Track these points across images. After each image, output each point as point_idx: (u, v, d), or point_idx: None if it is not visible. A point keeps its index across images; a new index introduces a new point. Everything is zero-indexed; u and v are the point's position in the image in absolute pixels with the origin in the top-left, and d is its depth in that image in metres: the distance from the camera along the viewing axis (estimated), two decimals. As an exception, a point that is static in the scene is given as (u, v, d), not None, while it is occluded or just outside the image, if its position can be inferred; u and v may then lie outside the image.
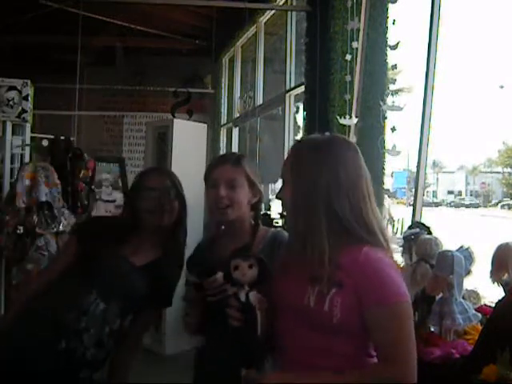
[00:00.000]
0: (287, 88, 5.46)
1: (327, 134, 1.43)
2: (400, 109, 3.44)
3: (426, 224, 2.75)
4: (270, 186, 8.02)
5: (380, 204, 3.82)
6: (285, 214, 1.40)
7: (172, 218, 1.83)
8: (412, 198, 3.58)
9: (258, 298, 1.33)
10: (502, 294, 1.99)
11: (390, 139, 3.69)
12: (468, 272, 2.12)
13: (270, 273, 1.37)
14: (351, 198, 1.29)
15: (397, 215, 3.33)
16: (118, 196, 4.89)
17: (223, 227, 1.73)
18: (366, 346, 1.27)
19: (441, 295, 2.09)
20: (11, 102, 3.60)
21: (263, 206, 5.88)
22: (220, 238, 1.74)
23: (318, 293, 1.23)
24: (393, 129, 3.50)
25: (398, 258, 2.81)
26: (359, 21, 3.68)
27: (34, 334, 1.61)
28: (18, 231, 3.36)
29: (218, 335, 1.51)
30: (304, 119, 4.44)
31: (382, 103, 3.59)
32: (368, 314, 1.21)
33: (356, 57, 3.69)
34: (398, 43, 3.59)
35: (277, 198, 1.40)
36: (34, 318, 1.66)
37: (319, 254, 1.23)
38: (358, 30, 3.70)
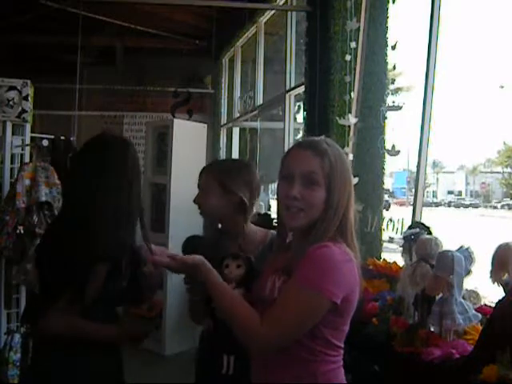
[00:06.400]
0: (287, 88, 5.46)
1: (327, 138, 1.45)
2: (399, 108, 3.44)
3: (426, 224, 2.75)
4: (269, 186, 8.03)
5: (380, 204, 3.83)
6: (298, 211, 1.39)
7: None
8: (412, 198, 3.58)
9: (241, 295, 1.44)
10: (502, 294, 1.99)
11: (390, 139, 3.70)
12: (468, 272, 2.12)
13: (258, 272, 1.49)
14: (351, 200, 1.38)
15: (397, 215, 3.33)
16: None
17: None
18: (319, 334, 1.31)
19: (441, 295, 2.09)
20: (11, 102, 3.60)
21: (263, 206, 5.86)
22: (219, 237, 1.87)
23: (272, 282, 1.36)
24: (392, 129, 3.51)
25: (398, 257, 2.81)
26: (359, 21, 3.68)
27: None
28: (18, 231, 3.35)
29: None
30: (304, 119, 4.44)
31: (382, 104, 3.60)
32: (282, 288, 1.31)
33: (356, 57, 3.69)
34: (396, 43, 3.59)
35: (293, 199, 1.34)
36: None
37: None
38: (358, 30, 3.70)
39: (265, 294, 1.37)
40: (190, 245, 1.84)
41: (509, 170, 29.67)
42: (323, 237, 1.32)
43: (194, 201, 1.84)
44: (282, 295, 1.30)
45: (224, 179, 1.78)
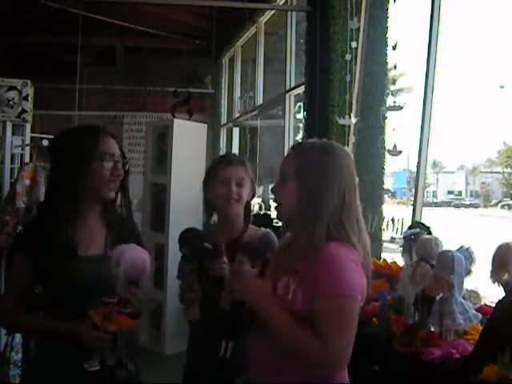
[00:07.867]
0: (287, 88, 5.46)
1: (324, 139, 1.50)
2: (400, 108, 3.44)
3: (426, 224, 2.75)
4: (269, 186, 8.03)
5: (380, 204, 3.83)
6: (277, 206, 1.48)
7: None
8: (412, 198, 3.58)
9: None
10: (502, 294, 1.99)
11: (390, 139, 3.70)
12: (468, 272, 2.12)
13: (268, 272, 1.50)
14: (347, 200, 1.38)
15: (397, 215, 3.33)
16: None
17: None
18: None
19: (441, 295, 2.09)
20: (11, 102, 3.60)
21: (263, 205, 5.86)
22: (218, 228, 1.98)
23: (286, 283, 1.36)
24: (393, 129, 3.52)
25: (398, 258, 2.81)
26: (359, 20, 3.68)
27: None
28: (18, 231, 3.35)
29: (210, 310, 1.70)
30: (304, 119, 4.44)
31: (382, 104, 3.60)
32: (315, 301, 1.30)
33: (356, 57, 3.69)
34: (396, 43, 3.59)
35: (272, 192, 1.49)
36: None
37: (310, 247, 1.33)
38: (358, 29, 3.70)
39: (277, 294, 1.37)
40: (186, 237, 1.92)
41: (509, 170, 29.66)
42: (314, 235, 1.33)
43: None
44: (319, 311, 1.29)
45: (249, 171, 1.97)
